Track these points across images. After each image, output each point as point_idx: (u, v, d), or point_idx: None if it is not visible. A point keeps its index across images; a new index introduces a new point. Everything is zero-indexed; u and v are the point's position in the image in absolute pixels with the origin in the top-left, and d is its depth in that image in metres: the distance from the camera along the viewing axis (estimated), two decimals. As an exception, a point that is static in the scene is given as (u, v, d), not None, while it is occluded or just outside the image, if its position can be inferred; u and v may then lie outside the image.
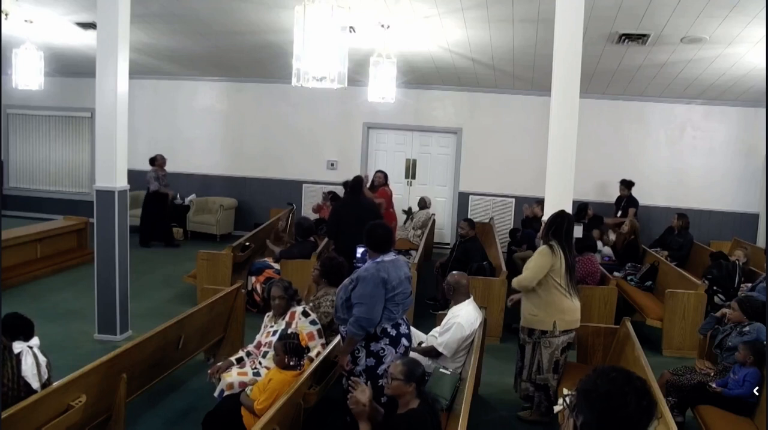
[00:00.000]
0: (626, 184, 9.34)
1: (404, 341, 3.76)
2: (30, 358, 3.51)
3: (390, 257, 3.75)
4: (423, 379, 3.18)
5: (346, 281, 3.77)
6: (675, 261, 7.68)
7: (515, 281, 4.41)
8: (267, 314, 4.39)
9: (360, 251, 6.13)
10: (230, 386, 3.85)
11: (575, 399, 1.63)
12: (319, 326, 4.21)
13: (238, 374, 3.94)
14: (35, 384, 3.51)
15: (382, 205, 8.49)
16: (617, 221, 9.00)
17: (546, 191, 5.19)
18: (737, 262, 6.70)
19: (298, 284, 4.98)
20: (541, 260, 4.25)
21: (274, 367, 3.75)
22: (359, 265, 5.72)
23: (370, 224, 3.86)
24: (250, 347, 4.25)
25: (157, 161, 9.51)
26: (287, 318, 4.15)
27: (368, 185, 8.85)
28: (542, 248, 4.31)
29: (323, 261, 4.85)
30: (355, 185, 6.73)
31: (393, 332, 3.68)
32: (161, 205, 9.54)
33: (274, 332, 4.09)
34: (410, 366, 3.12)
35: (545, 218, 4.94)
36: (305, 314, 4.18)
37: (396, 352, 3.67)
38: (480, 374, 4.76)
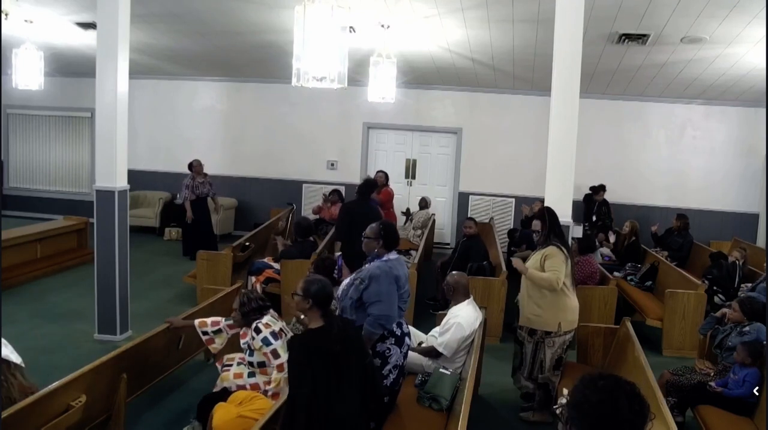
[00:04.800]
0: (602, 188, 9.41)
1: (407, 340, 3.77)
2: None
3: (394, 255, 3.76)
4: (324, 298, 3.06)
5: (350, 280, 3.74)
6: (675, 261, 7.69)
7: (534, 276, 4.22)
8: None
9: None
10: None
11: (567, 412, 1.63)
12: (271, 346, 3.80)
13: (235, 376, 3.97)
14: None
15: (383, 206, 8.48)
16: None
17: (546, 191, 5.18)
18: (737, 262, 6.71)
19: (297, 284, 4.97)
20: (559, 259, 4.21)
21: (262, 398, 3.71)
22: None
23: (381, 222, 3.88)
24: (223, 323, 4.09)
25: (193, 167, 8.94)
26: (240, 335, 4.00)
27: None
28: (552, 249, 4.24)
29: (316, 263, 4.80)
30: (366, 188, 6.64)
31: (398, 332, 3.67)
32: (200, 212, 8.91)
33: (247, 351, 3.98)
34: (308, 283, 3.09)
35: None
36: (257, 330, 3.83)
37: (401, 351, 3.67)
38: (480, 374, 4.76)
